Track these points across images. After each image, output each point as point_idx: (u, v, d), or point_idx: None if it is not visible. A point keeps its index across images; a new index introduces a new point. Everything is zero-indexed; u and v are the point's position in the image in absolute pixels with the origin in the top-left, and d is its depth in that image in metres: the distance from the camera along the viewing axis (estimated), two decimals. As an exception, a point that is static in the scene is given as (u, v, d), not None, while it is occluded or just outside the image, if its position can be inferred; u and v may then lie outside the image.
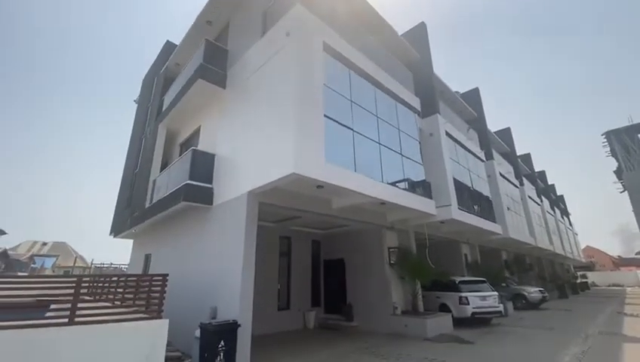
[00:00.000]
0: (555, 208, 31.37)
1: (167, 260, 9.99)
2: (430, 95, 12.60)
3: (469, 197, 12.94)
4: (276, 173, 6.22)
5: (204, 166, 8.51)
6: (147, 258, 11.75)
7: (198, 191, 8.11)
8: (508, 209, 17.29)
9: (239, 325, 5.92)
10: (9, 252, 51.73)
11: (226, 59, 9.74)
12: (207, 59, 9.32)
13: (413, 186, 9.77)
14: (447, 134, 12.51)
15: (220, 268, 7.15)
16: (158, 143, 11.38)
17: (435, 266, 11.91)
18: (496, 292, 11.55)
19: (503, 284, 16.81)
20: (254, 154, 7.17)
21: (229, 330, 5.87)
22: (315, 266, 12.63)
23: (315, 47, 7.27)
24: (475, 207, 13.25)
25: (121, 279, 5.94)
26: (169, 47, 14.01)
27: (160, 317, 5.60)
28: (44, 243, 56.61)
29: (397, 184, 8.99)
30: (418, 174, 10.11)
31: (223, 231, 7.45)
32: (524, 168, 25.97)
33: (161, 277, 5.94)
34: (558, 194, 38.25)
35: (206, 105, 10.02)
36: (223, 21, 10.88)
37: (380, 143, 8.65)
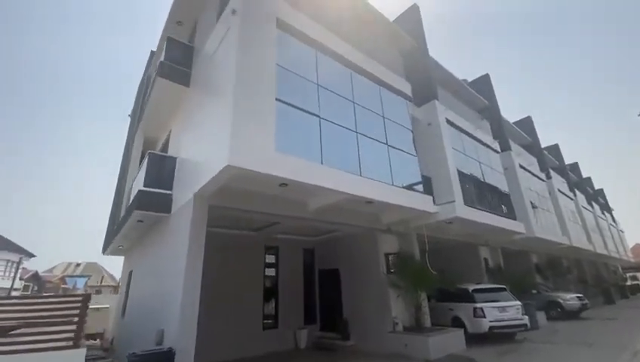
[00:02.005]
0: (594, 203, 28.24)
1: (142, 277, 9.22)
2: (426, 81, 11.28)
3: (479, 193, 11.32)
4: (215, 168, 5.23)
5: (163, 171, 7.69)
6: (130, 275, 11.07)
7: (154, 198, 7.27)
8: (533, 205, 15.31)
9: (174, 353, 4.88)
10: (43, 274, 54.09)
11: (192, 57, 9.03)
12: (169, 57, 8.63)
13: (408, 181, 8.46)
14: (449, 122, 11.08)
15: (167, 285, 6.20)
16: (135, 152, 10.83)
17: (444, 273, 10.41)
18: (518, 302, 9.78)
19: (534, 291, 14.71)
20: (202, 151, 6.26)
21: (164, 361, 4.85)
22: (309, 277, 11.41)
23: (264, 24, 6.33)
24: (489, 204, 11.58)
25: (36, 301, 5.10)
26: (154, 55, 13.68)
27: (78, 346, 4.71)
28: (78, 264, 58.83)
29: (387, 179, 7.74)
30: (411, 167, 8.79)
31: (174, 242, 6.54)
32: (551, 160, 23.51)
33: (80, 298, 5.08)
34: (597, 188, 34.69)
35: (175, 107, 9.31)
36: (192, 19, 10.27)
37: (357, 132, 7.47)
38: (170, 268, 6.26)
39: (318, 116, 6.70)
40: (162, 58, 8.57)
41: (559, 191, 20.00)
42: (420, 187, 8.67)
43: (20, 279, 38.83)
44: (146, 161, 7.60)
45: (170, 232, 6.92)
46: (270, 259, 10.61)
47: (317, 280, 11.43)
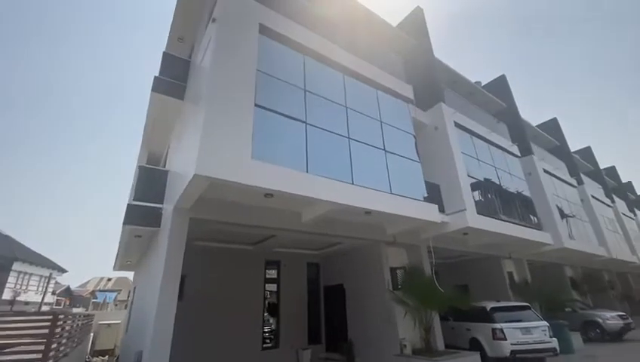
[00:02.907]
0: (637, 210, 25.74)
1: (140, 293, 9.08)
2: (432, 84, 10.70)
3: (496, 200, 10.41)
4: (186, 179, 4.96)
5: (154, 184, 7.55)
6: (134, 291, 11.02)
7: (144, 212, 7.11)
8: (561, 213, 13.98)
9: (142, 379, 4.52)
10: (77, 288, 56.42)
11: (188, 71, 9.04)
12: (164, 72, 8.68)
13: (410, 189, 7.84)
14: (458, 125, 10.37)
15: (147, 303, 5.92)
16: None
17: (458, 288, 9.51)
18: (544, 322, 8.68)
19: (568, 309, 13.26)
20: (180, 162, 6.06)
21: (132, 386, 4.50)
22: (314, 294, 10.84)
23: (244, 31, 6.12)
24: (507, 212, 10.62)
25: (4, 319, 4.94)
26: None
27: (44, 368, 4.48)
28: (109, 279, 61.06)
29: (384, 187, 7.19)
30: (414, 174, 8.17)
31: (156, 258, 6.30)
32: (583, 164, 21.74)
33: (50, 317, 4.87)
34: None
35: (172, 120, 9.30)
36: (192, 35, 10.38)
37: (349, 138, 7.02)
38: (152, 284, 6.00)
39: (303, 122, 6.33)
40: (158, 73, 8.63)
41: (593, 197, 18.31)
42: (424, 195, 7.99)
43: (53, 294, 40.64)
44: (136, 174, 7.52)
45: (155, 247, 6.71)
46: (271, 274, 10.19)
47: (322, 296, 10.83)
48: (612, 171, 27.09)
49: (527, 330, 8.32)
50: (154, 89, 8.26)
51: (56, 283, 43.03)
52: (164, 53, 9.07)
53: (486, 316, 8.86)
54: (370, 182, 6.93)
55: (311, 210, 6.86)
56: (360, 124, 7.57)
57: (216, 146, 4.82)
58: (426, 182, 9.08)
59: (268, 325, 9.54)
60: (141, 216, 7.01)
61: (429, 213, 7.71)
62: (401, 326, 8.18)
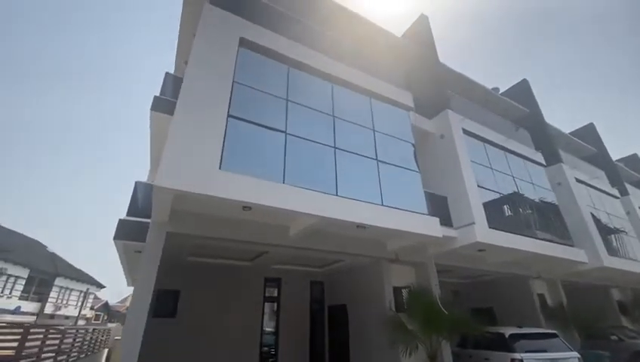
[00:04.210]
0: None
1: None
2: (438, 91, 10.18)
3: (514, 213, 9.46)
4: (155, 192, 4.88)
5: (146, 199, 7.65)
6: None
7: (134, 227, 7.15)
8: (602, 228, 12.45)
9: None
10: (116, 304, 59.11)
11: (187, 89, 9.30)
12: (164, 92, 8.97)
13: (409, 201, 7.30)
14: (468, 132, 9.68)
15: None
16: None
17: (479, 311, 8.54)
18: (575, 354, 7.50)
19: (613, 337, 11.55)
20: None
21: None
22: (318, 314, 10.30)
23: (223, 44, 6.16)
24: (529, 226, 9.59)
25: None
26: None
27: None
28: (146, 294, 63.29)
29: (376, 199, 6.75)
30: (412, 185, 7.62)
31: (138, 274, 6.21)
32: (628, 173, 19.54)
33: (21, 329, 4.89)
34: None
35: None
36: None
37: (335, 148, 6.70)
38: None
39: (283, 132, 6.13)
40: (158, 93, 8.93)
41: (642, 209, 16.25)
42: (424, 207, 7.39)
43: (91, 308, 42.77)
44: (133, 189, 7.66)
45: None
46: (272, 292, 9.84)
47: (326, 317, 10.26)
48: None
49: (552, 362, 7.23)
50: (152, 108, 8.53)
51: (95, 298, 45.29)
52: (166, 73, 9.41)
53: (504, 344, 7.82)
54: (359, 194, 6.53)
55: (296, 223, 6.56)
56: (352, 134, 7.25)
57: (182, 158, 4.73)
58: (431, 194, 8.50)
59: (266, 346, 9.12)
60: (130, 231, 7.06)
61: (428, 227, 7.08)
62: (402, 353, 7.42)
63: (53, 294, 32.13)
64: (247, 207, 5.51)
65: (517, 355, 7.38)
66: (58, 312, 32.53)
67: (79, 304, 35.63)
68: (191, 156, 4.79)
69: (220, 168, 5.04)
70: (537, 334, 8.14)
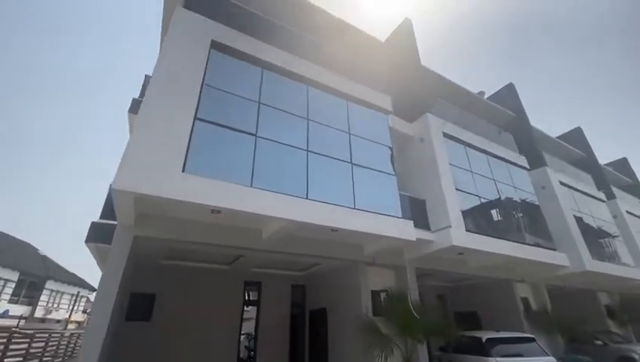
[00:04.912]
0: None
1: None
2: (419, 94, 10.21)
3: (493, 217, 9.46)
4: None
5: (121, 202, 7.61)
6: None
7: (108, 229, 7.07)
8: (587, 231, 12.45)
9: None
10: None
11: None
12: (144, 94, 8.97)
13: (384, 204, 7.28)
14: (448, 136, 9.69)
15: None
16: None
17: (463, 315, 8.47)
18: (551, 358, 7.47)
19: (598, 342, 11.53)
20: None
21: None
22: (300, 318, 10.23)
23: (193, 46, 6.15)
24: (508, 230, 9.59)
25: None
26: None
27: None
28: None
29: (349, 202, 6.73)
30: (388, 188, 7.61)
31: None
32: (616, 177, 19.63)
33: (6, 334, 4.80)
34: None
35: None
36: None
37: (307, 150, 6.69)
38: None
39: (253, 135, 6.12)
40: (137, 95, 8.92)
41: (629, 213, 16.29)
42: (399, 211, 7.38)
43: (84, 312, 42.32)
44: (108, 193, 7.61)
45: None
46: (252, 295, 9.77)
47: (307, 321, 10.19)
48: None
49: (527, 367, 7.19)
50: (130, 110, 8.51)
51: (88, 301, 44.80)
52: (145, 76, 9.41)
53: (482, 348, 7.78)
54: (332, 197, 6.51)
55: (267, 227, 6.53)
56: (326, 137, 7.25)
57: (142, 160, 4.69)
58: (410, 198, 8.50)
59: (245, 350, 9.04)
60: (102, 233, 7.00)
61: (401, 230, 7.06)
62: (379, 356, 7.36)
63: (43, 297, 31.83)
64: (216, 211, 5.48)
65: (492, 360, 7.35)
66: (49, 316, 32.20)
67: (70, 307, 35.32)
68: (152, 158, 4.76)
69: (183, 171, 5.00)
70: (514, 338, 8.11)
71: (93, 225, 7.09)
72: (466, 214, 8.72)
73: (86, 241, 6.97)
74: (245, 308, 9.62)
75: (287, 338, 9.75)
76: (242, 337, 10.51)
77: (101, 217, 7.30)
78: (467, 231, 8.13)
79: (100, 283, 5.23)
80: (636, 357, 10.53)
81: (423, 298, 12.31)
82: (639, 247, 14.79)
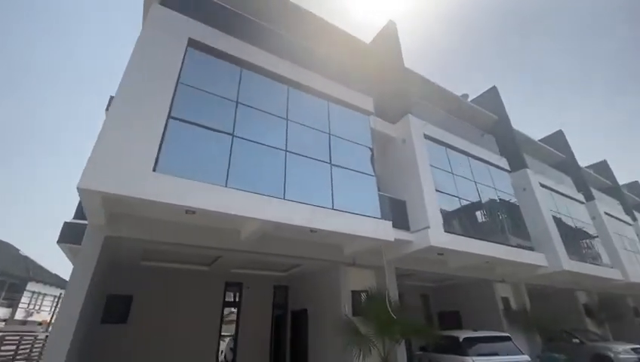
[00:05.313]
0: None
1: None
2: (401, 96, 10.29)
3: (473, 218, 9.60)
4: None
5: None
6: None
7: (81, 230, 6.92)
8: (565, 232, 12.73)
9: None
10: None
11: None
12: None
13: (363, 205, 7.30)
14: (429, 138, 9.79)
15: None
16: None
17: (446, 314, 8.54)
18: (526, 357, 7.63)
19: (575, 340, 11.81)
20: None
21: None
22: (282, 318, 10.19)
23: (169, 43, 6.07)
24: (488, 231, 9.75)
25: None
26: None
27: None
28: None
29: (327, 203, 6.73)
30: (368, 189, 7.64)
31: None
32: (597, 179, 20.15)
33: None
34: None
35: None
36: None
37: (286, 150, 6.67)
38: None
39: (230, 134, 6.07)
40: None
41: (607, 214, 16.73)
42: (377, 211, 7.41)
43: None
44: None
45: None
46: (233, 296, 9.69)
47: (289, 322, 10.15)
48: (635, 186, 24.95)
49: (502, 365, 7.31)
50: (107, 109, 8.36)
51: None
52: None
53: (459, 347, 7.90)
54: (310, 198, 6.51)
55: (245, 227, 6.48)
56: (306, 138, 7.24)
57: (110, 158, 4.60)
58: (390, 198, 8.56)
59: (231, 352, 8.95)
60: (75, 234, 6.85)
61: (380, 230, 7.09)
62: (357, 356, 7.38)
63: (24, 299, 30.99)
64: (190, 211, 5.42)
65: (469, 359, 7.46)
66: (30, 318, 31.36)
67: (52, 309, 34.47)
68: (120, 157, 4.67)
69: (154, 170, 4.93)
70: (491, 337, 8.24)
71: (66, 225, 6.95)
72: (446, 215, 8.83)
73: (58, 242, 6.83)
74: (232, 310, 9.54)
75: (269, 339, 9.70)
76: (228, 339, 10.45)
77: (75, 217, 7.16)
78: (446, 231, 8.22)
79: (67, 285, 5.10)
80: (611, 355, 10.81)
81: (407, 298, 12.47)
82: (616, 248, 15.20)
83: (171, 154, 5.27)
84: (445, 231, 8.21)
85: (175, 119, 5.54)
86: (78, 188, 4.28)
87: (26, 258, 34.68)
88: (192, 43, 6.40)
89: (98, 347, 7.33)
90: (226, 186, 5.55)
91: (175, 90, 5.73)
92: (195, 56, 6.40)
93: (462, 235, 8.66)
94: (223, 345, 9.92)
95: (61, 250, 7.58)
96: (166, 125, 5.36)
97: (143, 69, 5.53)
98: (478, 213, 10.00)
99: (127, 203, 5.12)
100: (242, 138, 6.17)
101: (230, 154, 5.88)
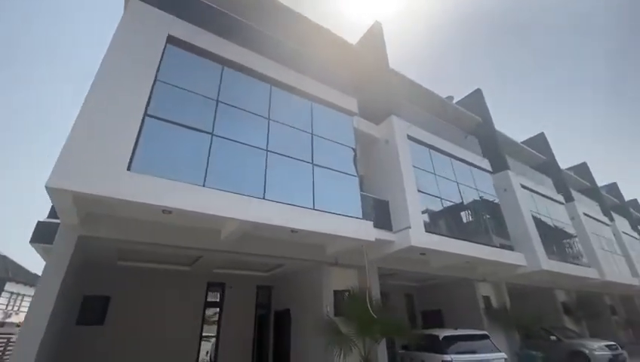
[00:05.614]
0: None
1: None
2: (385, 98, 10.36)
3: (455, 218, 9.75)
4: (54, 192, 4.61)
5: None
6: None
7: (46, 229, 6.77)
8: (543, 232, 13.05)
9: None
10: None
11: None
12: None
13: (345, 205, 7.33)
14: (413, 138, 9.89)
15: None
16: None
17: (429, 313, 8.63)
18: (502, 354, 7.79)
19: (552, 337, 12.10)
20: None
21: None
22: (265, 319, 10.15)
23: (147, 40, 5.97)
24: (469, 231, 9.92)
25: None
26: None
27: None
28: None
29: (308, 203, 6.73)
30: (350, 189, 7.67)
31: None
32: (576, 181, 20.72)
33: None
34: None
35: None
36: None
37: (267, 150, 6.64)
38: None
39: (209, 133, 6.00)
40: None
41: (586, 215, 17.22)
42: (359, 211, 7.45)
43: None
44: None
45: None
46: (215, 297, 9.60)
47: (272, 322, 10.12)
48: (614, 188, 25.75)
49: (479, 363, 7.45)
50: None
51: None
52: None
53: (438, 346, 8.01)
54: (291, 198, 6.50)
55: (225, 227, 6.42)
56: (288, 137, 7.22)
57: (80, 157, 4.49)
58: (374, 199, 8.62)
59: (204, 355, 8.85)
60: (48, 234, 6.67)
61: (361, 230, 7.13)
62: (337, 357, 7.40)
63: (2, 300, 30.06)
64: (167, 211, 5.34)
65: (447, 357, 7.58)
66: (8, 320, 30.44)
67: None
68: (92, 155, 4.56)
69: (129, 169, 4.83)
70: (469, 336, 8.38)
71: (40, 224, 6.77)
72: (428, 215, 8.95)
73: (31, 241, 6.64)
74: (216, 310, 9.44)
75: (251, 339, 9.64)
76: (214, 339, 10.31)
77: (49, 216, 6.98)
78: (427, 232, 8.32)
79: (38, 285, 4.96)
80: (586, 351, 11.13)
81: (392, 297, 12.61)
82: (594, 248, 15.67)
83: (147, 153, 5.18)
84: (426, 232, 8.31)
85: (152, 117, 5.45)
86: (46, 187, 4.17)
87: (4, 257, 33.58)
88: (172, 40, 6.30)
89: (73, 349, 7.15)
90: (204, 186, 5.49)
91: (152, 88, 5.64)
92: (174, 53, 6.30)
93: (443, 235, 8.79)
94: (208, 346, 9.80)
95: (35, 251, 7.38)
96: (142, 123, 5.27)
97: (119, 66, 5.41)
98: (460, 214, 10.15)
99: (100, 202, 5.01)
100: (222, 137, 6.11)
101: (209, 154, 5.82)
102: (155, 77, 5.76)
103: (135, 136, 5.08)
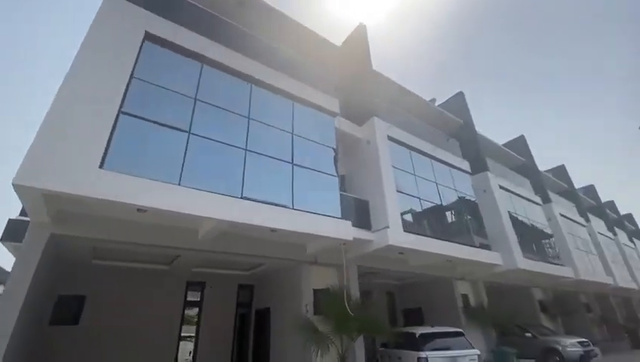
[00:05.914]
0: (618, 229, 25.06)
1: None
2: (367, 98, 10.49)
3: (433, 218, 9.95)
4: (22, 190, 4.53)
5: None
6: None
7: (17, 227, 6.63)
8: (520, 233, 13.42)
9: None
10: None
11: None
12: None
13: (324, 205, 7.40)
14: (393, 139, 10.05)
15: None
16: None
17: (409, 311, 8.77)
18: (475, 351, 8.00)
19: (528, 334, 12.47)
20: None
21: None
22: (246, 318, 10.14)
23: (123, 36, 5.90)
24: (447, 231, 10.14)
25: None
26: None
27: None
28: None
29: (287, 202, 6.77)
30: (330, 189, 7.75)
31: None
32: (555, 182, 21.37)
33: None
34: (625, 212, 31.14)
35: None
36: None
37: (246, 149, 6.65)
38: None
39: (186, 131, 5.98)
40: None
41: (562, 216, 17.79)
42: (338, 211, 7.54)
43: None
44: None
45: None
46: (195, 296, 9.54)
47: (253, 321, 10.12)
48: (591, 190, 26.65)
49: (453, 359, 7.64)
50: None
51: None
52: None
53: (415, 343, 8.17)
54: (270, 197, 6.53)
55: (202, 226, 6.41)
56: (268, 137, 7.24)
57: (50, 153, 4.41)
58: (355, 199, 8.73)
59: (183, 355, 8.80)
60: (19, 232, 6.53)
61: (339, 230, 7.22)
62: (315, 355, 7.47)
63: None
64: (142, 210, 5.29)
65: (423, 354, 7.73)
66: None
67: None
68: (63, 152, 4.49)
69: (101, 167, 4.78)
70: (445, 333, 8.56)
71: (11, 222, 6.62)
72: (411, 215, 9.11)
73: (2, 240, 6.48)
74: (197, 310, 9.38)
75: (231, 338, 9.63)
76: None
77: (21, 214, 6.84)
78: (405, 231, 8.47)
79: (6, 284, 4.86)
80: (559, 347, 11.52)
81: (374, 295, 12.78)
82: (569, 248, 16.20)
83: (121, 151, 5.13)
84: (405, 231, 8.46)
85: (126, 114, 5.40)
86: (13, 185, 4.10)
87: (-21, 257, 32.50)
88: (150, 37, 6.25)
89: (46, 350, 7.01)
90: (179, 185, 5.47)
91: (128, 85, 5.58)
92: (152, 50, 6.25)
93: (420, 235, 8.96)
94: (190, 346, 9.72)
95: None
96: (116, 120, 5.22)
97: (93, 61, 5.34)
98: (439, 214, 10.36)
99: (71, 200, 4.93)
100: (199, 135, 6.09)
101: (185, 152, 5.80)
102: (131, 74, 5.71)
103: (108, 134, 5.02)
